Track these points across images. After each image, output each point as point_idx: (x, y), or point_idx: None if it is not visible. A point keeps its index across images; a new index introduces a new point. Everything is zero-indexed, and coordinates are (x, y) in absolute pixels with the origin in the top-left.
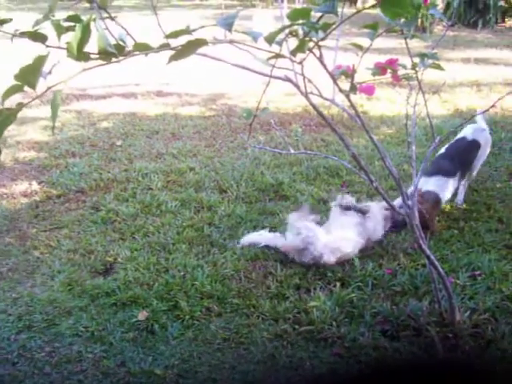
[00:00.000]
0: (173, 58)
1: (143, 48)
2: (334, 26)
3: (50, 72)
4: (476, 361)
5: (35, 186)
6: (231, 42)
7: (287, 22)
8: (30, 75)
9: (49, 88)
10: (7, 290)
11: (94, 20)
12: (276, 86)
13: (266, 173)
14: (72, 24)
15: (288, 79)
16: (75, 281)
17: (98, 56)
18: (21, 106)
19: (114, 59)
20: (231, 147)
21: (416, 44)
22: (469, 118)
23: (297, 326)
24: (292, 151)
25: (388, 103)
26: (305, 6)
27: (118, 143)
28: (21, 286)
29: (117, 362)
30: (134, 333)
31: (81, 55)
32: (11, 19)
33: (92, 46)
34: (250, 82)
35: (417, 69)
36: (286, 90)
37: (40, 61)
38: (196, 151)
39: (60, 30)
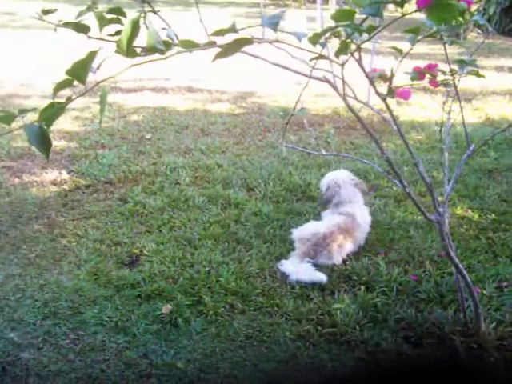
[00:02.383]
0: (218, 56)
1: (189, 45)
2: (378, 29)
3: (98, 68)
4: (501, 374)
5: (65, 175)
6: (276, 41)
7: (320, 22)
8: (80, 70)
9: (98, 83)
10: (34, 276)
11: (144, 16)
12: (307, 86)
13: (294, 173)
14: (114, 16)
15: (327, 80)
16: (101, 271)
17: (145, 52)
18: (69, 100)
19: (159, 55)
20: (260, 146)
21: (450, 50)
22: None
23: (320, 328)
24: (323, 152)
25: (419, 109)
26: (345, 7)
27: (148, 136)
28: (48, 273)
29: (139, 353)
30: (157, 325)
31: (130, 51)
32: (56, 9)
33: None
34: (279, 82)
35: (455, 75)
36: (316, 91)
37: (91, 56)
38: (225, 148)
39: (103, 22)
